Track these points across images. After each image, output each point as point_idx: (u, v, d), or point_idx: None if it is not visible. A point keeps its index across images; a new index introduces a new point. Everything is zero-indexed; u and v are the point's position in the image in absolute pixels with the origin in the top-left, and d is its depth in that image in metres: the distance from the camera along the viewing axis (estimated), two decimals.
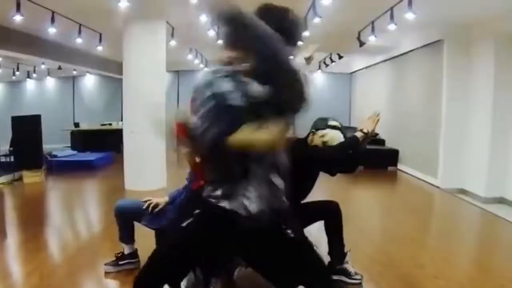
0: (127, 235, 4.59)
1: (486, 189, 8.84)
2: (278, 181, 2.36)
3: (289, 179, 2.74)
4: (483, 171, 8.92)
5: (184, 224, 2.62)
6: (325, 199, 4.64)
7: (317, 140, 4.31)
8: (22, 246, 5.78)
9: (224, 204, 2.29)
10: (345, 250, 4.49)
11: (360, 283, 4.38)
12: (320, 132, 4.30)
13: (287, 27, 2.36)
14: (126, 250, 4.64)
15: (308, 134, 4.46)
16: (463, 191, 9.54)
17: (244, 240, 2.42)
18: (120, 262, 4.63)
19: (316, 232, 5.12)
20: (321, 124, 4.37)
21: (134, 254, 4.67)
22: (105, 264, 4.66)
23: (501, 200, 8.68)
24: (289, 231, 2.41)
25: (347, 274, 4.40)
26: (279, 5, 2.43)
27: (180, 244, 2.55)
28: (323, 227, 4.46)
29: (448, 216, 8.18)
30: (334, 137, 4.23)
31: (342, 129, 4.33)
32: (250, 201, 2.27)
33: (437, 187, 10.04)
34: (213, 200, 2.34)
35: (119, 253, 4.68)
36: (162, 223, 4.01)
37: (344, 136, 4.27)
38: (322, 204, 4.57)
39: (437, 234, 6.97)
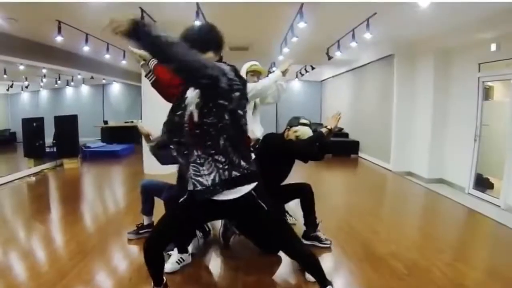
0: (148, 209, 4.63)
1: (428, 172, 8.87)
2: (222, 158, 2.40)
3: (271, 166, 2.87)
4: (426, 157, 8.94)
5: (180, 200, 2.64)
6: (300, 182, 4.67)
7: (291, 134, 4.40)
8: (63, 218, 5.81)
9: (189, 186, 2.50)
10: (317, 221, 4.54)
11: (329, 247, 4.44)
12: (294, 128, 4.41)
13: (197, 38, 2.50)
14: (146, 221, 4.67)
15: (285, 130, 4.54)
16: (410, 174, 9.56)
17: (230, 213, 2.72)
18: (140, 231, 4.66)
19: (294, 208, 5.16)
20: (295, 121, 4.48)
21: (151, 225, 4.65)
22: (128, 233, 4.70)
23: (440, 181, 8.69)
24: (263, 205, 2.53)
25: (319, 240, 4.47)
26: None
27: (177, 216, 2.72)
28: (299, 204, 4.50)
29: (398, 194, 8.21)
30: (305, 132, 4.35)
31: (311, 125, 4.46)
32: (203, 178, 2.41)
33: (390, 170, 10.04)
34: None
35: (139, 224, 4.71)
36: None
37: (313, 131, 4.39)
38: (298, 186, 4.59)
39: (389, 208, 7.00)
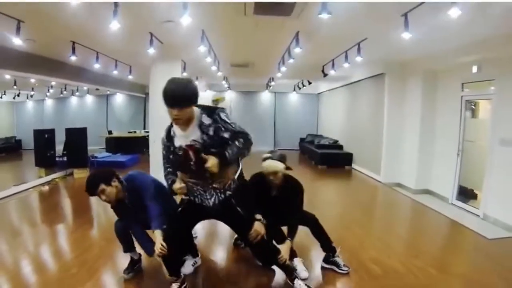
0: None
1: (415, 183, 9.28)
2: (218, 185, 3.47)
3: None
4: (414, 169, 9.34)
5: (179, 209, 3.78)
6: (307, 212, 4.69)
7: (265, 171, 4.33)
8: (77, 229, 6.04)
9: (197, 199, 3.61)
10: (334, 246, 4.63)
11: (348, 273, 4.47)
12: (264, 163, 4.33)
13: None
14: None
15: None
16: (399, 185, 9.92)
17: (215, 213, 3.73)
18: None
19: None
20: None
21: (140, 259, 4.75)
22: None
23: (427, 191, 9.11)
24: (238, 208, 3.64)
25: (337, 265, 4.53)
26: None
27: (179, 218, 3.80)
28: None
29: (385, 205, 8.62)
30: (269, 165, 4.26)
31: (273, 158, 4.30)
32: (208, 200, 3.55)
33: (380, 181, 10.42)
34: (192, 198, 3.62)
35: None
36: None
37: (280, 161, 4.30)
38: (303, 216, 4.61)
39: (376, 218, 7.42)
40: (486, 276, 4.52)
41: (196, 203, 3.59)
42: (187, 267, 4.45)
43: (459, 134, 8.09)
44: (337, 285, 4.27)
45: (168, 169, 3.58)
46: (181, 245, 4.00)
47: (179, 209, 3.77)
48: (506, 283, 4.37)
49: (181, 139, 3.35)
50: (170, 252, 3.59)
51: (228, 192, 3.49)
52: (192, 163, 3.28)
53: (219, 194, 3.48)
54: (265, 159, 4.36)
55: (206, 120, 3.27)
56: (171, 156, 3.45)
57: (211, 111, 3.32)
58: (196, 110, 3.32)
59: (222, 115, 3.30)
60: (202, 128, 3.27)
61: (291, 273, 4.09)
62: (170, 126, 3.47)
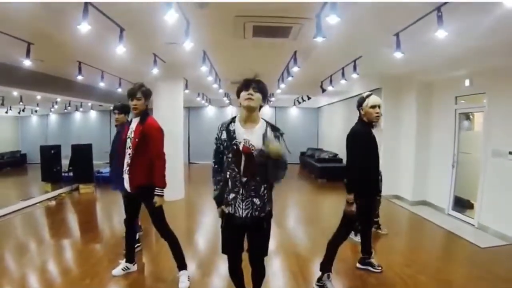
0: None
1: (413, 195, 9.49)
2: (257, 201, 3.30)
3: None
4: (411, 181, 9.56)
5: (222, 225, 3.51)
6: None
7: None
8: (85, 244, 6.26)
9: (228, 209, 3.37)
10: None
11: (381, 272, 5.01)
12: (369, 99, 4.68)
13: None
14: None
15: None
16: (397, 197, 10.09)
17: (246, 227, 3.41)
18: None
19: None
20: None
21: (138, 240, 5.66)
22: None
23: (424, 202, 9.32)
24: (265, 224, 3.41)
25: (372, 265, 5.09)
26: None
27: (224, 232, 3.54)
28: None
29: (384, 217, 8.23)
30: (376, 98, 4.66)
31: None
32: (241, 210, 3.30)
33: None
34: (226, 208, 3.39)
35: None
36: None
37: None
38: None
39: (375, 231, 7.37)
40: (473, 281, 4.78)
41: (229, 214, 3.39)
42: (117, 270, 4.82)
43: (453, 146, 8.33)
44: None
45: (216, 166, 3.52)
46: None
47: (222, 225, 3.56)
48: (492, 286, 4.63)
49: (246, 134, 3.32)
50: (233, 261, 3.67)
51: (262, 214, 3.36)
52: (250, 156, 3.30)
53: (254, 210, 3.32)
54: (367, 96, 4.64)
55: (269, 133, 3.34)
56: (221, 148, 3.41)
57: (275, 128, 3.43)
58: (262, 119, 3.45)
59: (283, 137, 3.45)
60: (264, 136, 3.34)
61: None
62: (229, 123, 3.43)
